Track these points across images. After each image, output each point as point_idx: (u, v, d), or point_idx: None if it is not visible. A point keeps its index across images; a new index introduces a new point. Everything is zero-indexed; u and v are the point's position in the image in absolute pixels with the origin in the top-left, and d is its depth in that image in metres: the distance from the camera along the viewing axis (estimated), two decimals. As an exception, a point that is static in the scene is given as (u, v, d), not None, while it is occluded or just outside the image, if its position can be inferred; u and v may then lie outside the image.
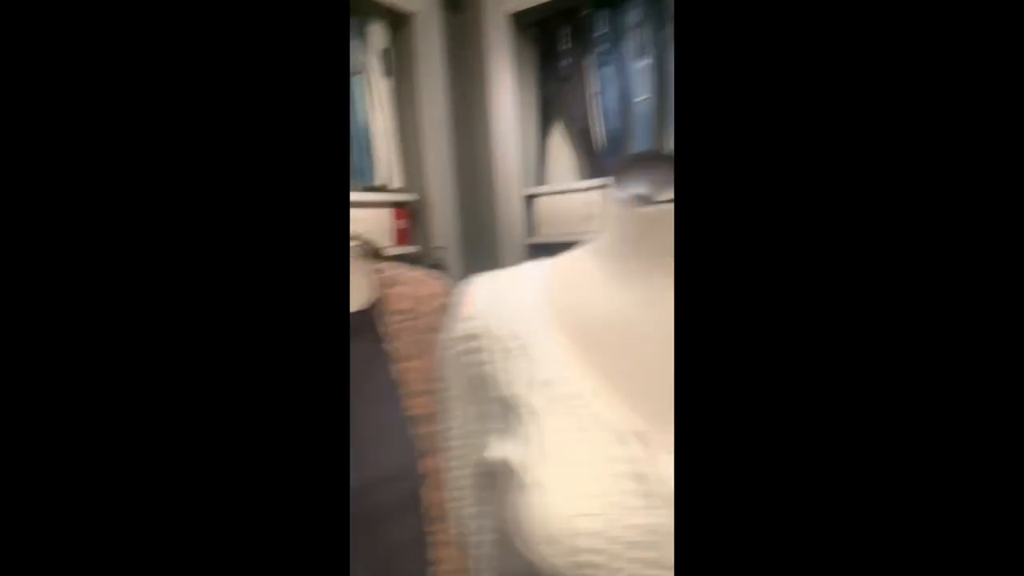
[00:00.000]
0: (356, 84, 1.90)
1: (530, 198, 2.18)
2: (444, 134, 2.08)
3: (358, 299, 0.63)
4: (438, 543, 0.59)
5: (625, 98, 2.01)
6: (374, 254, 0.84)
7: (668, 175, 0.52)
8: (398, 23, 2.03)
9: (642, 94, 1.94)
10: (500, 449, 0.50)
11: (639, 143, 1.97)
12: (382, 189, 2.02)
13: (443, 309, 0.67)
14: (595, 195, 1.92)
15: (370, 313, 0.64)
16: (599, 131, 2.07)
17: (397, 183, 2.07)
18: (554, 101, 2.17)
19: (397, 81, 2.08)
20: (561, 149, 2.20)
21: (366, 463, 0.55)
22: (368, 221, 1.91)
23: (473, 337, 0.55)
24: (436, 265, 2.11)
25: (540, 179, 2.22)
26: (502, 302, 0.56)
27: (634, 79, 1.96)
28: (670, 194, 0.51)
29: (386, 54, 2.01)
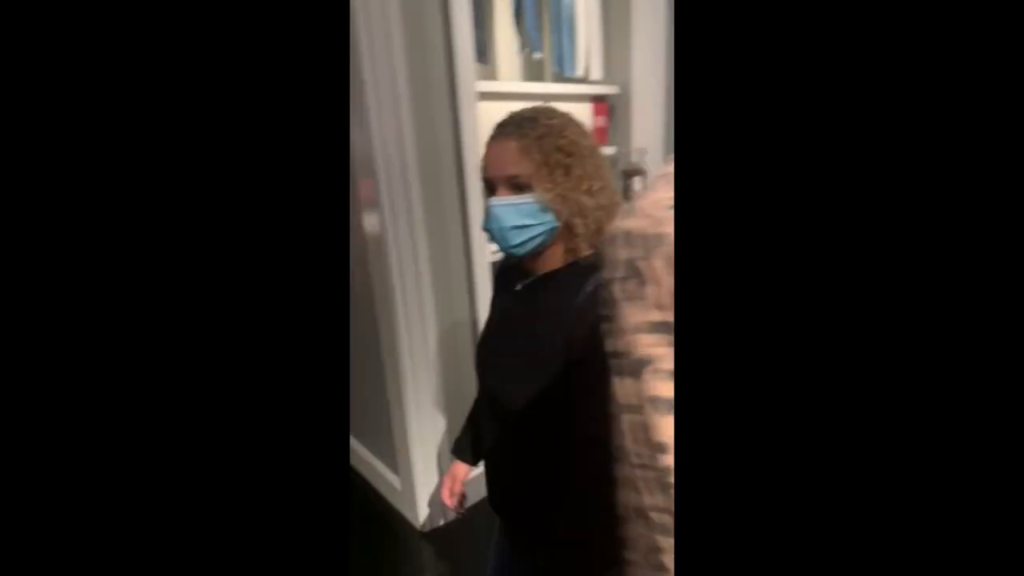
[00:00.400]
0: (563, -48, 1.64)
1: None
2: (660, 14, 1.76)
3: None
4: None
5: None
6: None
7: None
8: None
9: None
10: None
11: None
12: (581, 80, 1.80)
13: None
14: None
15: None
16: None
17: (597, 73, 1.83)
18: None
19: (607, -53, 1.77)
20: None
21: None
22: (566, 117, 1.73)
23: None
24: (635, 171, 1.89)
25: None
26: None
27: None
28: None
29: (597, -87, 1.70)
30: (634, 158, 1.88)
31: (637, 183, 1.90)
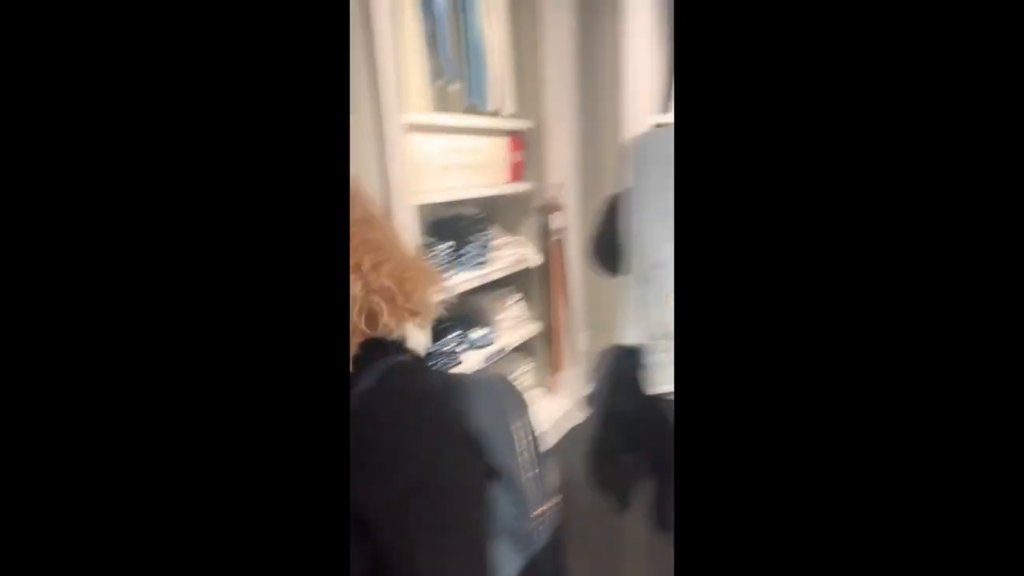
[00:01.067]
0: (474, -18, 1.58)
1: (660, 128, 1.88)
2: (566, 50, 1.77)
3: None
4: None
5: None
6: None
7: None
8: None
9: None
10: None
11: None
12: (494, 114, 1.74)
13: None
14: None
15: None
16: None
17: (511, 108, 1.79)
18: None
19: (515, -17, 1.74)
20: (695, 70, 1.87)
21: None
22: (484, 153, 1.65)
23: None
24: (553, 206, 1.86)
25: (669, 106, 1.91)
26: None
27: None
28: None
29: (503, -53, 1.67)
30: (551, 193, 1.86)
31: (556, 219, 1.88)
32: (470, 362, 1.60)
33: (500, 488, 0.53)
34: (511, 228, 1.92)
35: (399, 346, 0.57)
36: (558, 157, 1.85)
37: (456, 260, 1.61)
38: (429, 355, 1.51)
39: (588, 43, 1.84)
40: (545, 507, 0.56)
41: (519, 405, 0.59)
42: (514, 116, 1.79)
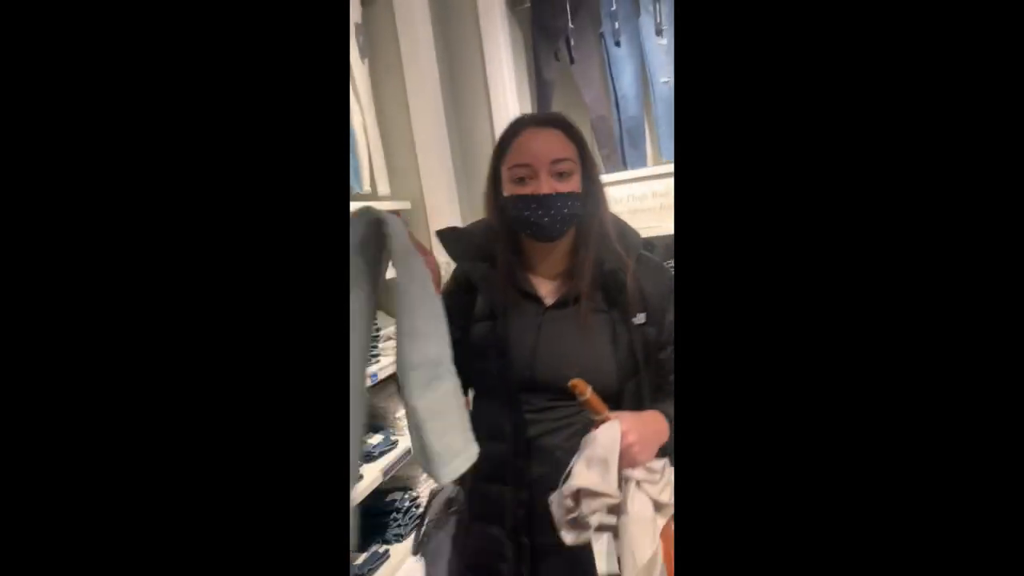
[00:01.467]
0: (333, 64, 1.49)
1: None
2: (441, 129, 1.72)
3: None
4: None
5: (642, 81, 1.80)
6: None
7: None
8: (370, -5, 1.66)
9: (665, 75, 1.73)
10: None
11: (664, 130, 1.76)
12: (369, 196, 1.62)
13: None
14: (616, 192, 1.68)
15: None
16: (614, 119, 1.84)
17: (384, 189, 1.68)
18: (559, 87, 1.89)
19: (375, 66, 1.70)
20: (562, 143, 1.93)
21: None
22: (362, 236, 1.51)
23: None
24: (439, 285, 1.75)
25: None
26: None
27: (655, 58, 1.75)
28: None
29: (360, 30, 1.63)
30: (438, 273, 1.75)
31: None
32: (371, 475, 1.37)
33: None
34: (399, 315, 1.77)
35: None
36: (441, 235, 1.76)
37: (342, 359, 1.40)
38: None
39: (459, 116, 1.82)
40: None
41: None
42: (390, 197, 1.69)
